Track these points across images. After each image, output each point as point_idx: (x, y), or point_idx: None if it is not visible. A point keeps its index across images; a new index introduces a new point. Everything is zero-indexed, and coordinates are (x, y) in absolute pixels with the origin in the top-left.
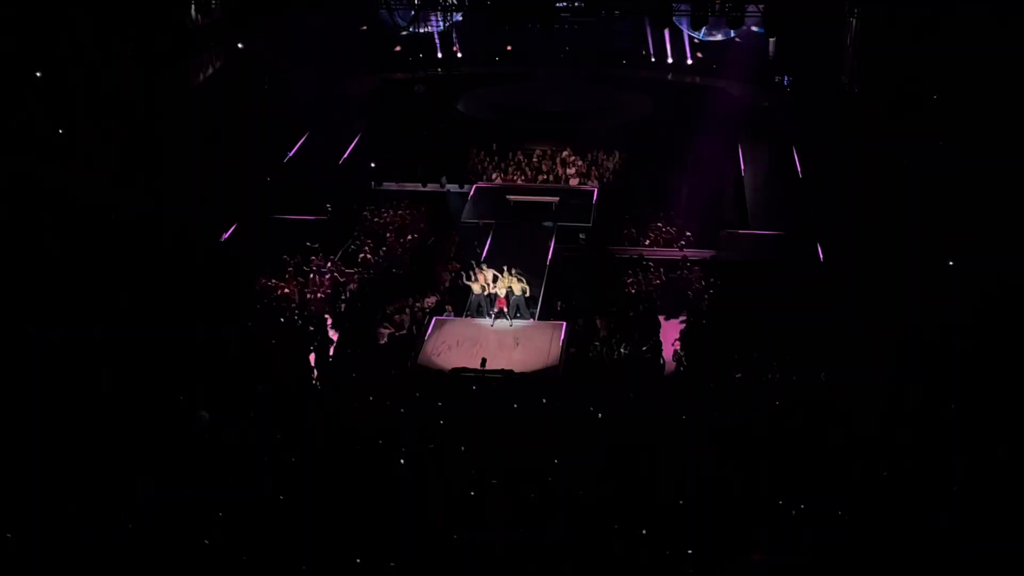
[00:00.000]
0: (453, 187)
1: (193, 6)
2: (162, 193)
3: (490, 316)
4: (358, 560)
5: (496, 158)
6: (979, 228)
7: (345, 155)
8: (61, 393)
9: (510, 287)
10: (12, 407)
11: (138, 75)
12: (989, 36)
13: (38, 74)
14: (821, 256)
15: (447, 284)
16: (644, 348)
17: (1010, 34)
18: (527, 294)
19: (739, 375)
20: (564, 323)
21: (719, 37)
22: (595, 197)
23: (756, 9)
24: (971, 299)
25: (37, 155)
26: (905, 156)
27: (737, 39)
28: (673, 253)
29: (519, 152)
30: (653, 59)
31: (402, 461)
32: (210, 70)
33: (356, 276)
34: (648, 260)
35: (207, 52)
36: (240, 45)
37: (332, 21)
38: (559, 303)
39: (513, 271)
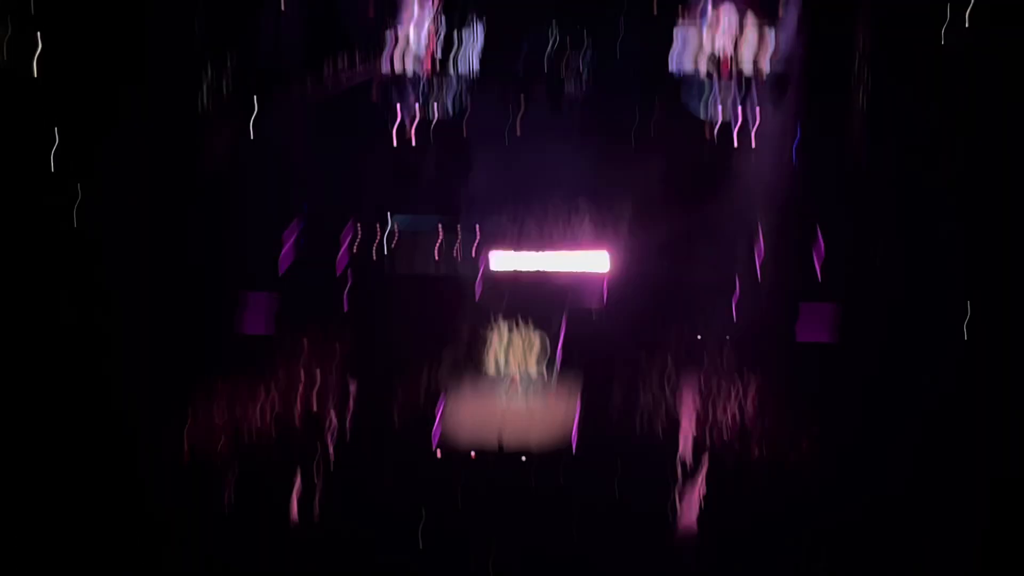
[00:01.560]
0: (466, 269)
1: (203, 89)
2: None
3: (505, 393)
4: None
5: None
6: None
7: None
8: None
9: (526, 363)
10: None
11: (150, 160)
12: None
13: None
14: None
15: (461, 360)
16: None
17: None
18: (542, 370)
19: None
20: (579, 393)
21: (727, 115)
22: (607, 269)
23: (763, 84)
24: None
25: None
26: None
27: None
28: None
29: (530, 226)
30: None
31: (420, 546)
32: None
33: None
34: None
35: (219, 135)
36: (251, 121)
37: (342, 103)
38: (574, 377)
39: (528, 347)
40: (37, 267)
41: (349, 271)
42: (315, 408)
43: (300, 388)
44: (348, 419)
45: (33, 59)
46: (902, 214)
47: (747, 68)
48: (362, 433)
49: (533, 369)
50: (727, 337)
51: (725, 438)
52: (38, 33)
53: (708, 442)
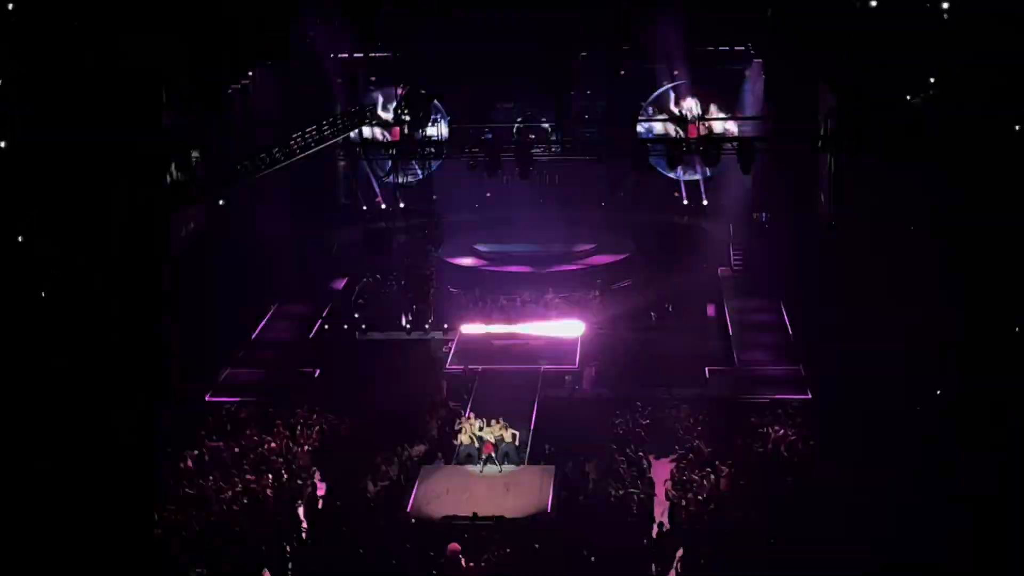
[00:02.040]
0: (437, 334)
1: (173, 164)
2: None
3: (479, 463)
4: None
5: (479, 304)
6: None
7: (328, 307)
8: None
9: (500, 435)
10: None
11: (118, 234)
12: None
13: (19, 238)
14: (808, 393)
15: (435, 431)
16: (635, 490)
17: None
18: (517, 440)
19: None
20: (554, 466)
21: (696, 176)
22: (579, 339)
23: (731, 147)
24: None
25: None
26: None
27: (713, 178)
28: (659, 393)
29: (502, 297)
30: (632, 200)
31: None
32: (191, 226)
33: (344, 426)
34: (635, 400)
35: (187, 209)
36: (221, 202)
37: (311, 173)
38: (548, 446)
39: (501, 420)
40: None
41: (322, 338)
42: (289, 477)
43: (275, 456)
44: (323, 488)
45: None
46: (872, 270)
47: (715, 130)
48: (337, 502)
49: (508, 436)
50: (699, 398)
51: (699, 500)
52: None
53: (683, 504)
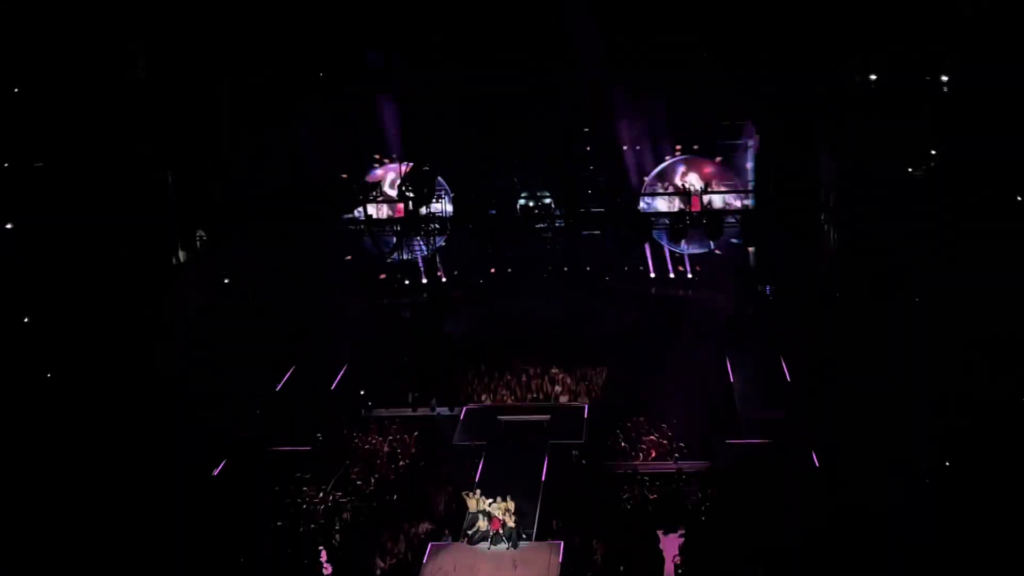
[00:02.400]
0: (443, 410)
1: (179, 243)
2: (150, 427)
3: (487, 539)
4: None
5: (485, 379)
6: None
7: (335, 382)
8: None
9: (507, 511)
10: None
11: (125, 310)
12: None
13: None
14: (816, 462)
15: (442, 509)
16: (643, 566)
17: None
18: (514, 522)
19: None
20: (561, 543)
21: (699, 249)
22: (586, 413)
23: (734, 221)
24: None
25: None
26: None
27: (717, 251)
28: (668, 466)
29: (507, 372)
30: (635, 273)
31: None
32: (198, 303)
33: (350, 504)
34: (643, 474)
35: (194, 286)
36: (227, 280)
37: (317, 249)
38: (555, 522)
39: (507, 498)
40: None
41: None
42: (299, 554)
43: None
44: (333, 565)
45: None
46: (875, 338)
47: (716, 202)
48: None
49: (514, 511)
50: (706, 473)
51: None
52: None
53: None
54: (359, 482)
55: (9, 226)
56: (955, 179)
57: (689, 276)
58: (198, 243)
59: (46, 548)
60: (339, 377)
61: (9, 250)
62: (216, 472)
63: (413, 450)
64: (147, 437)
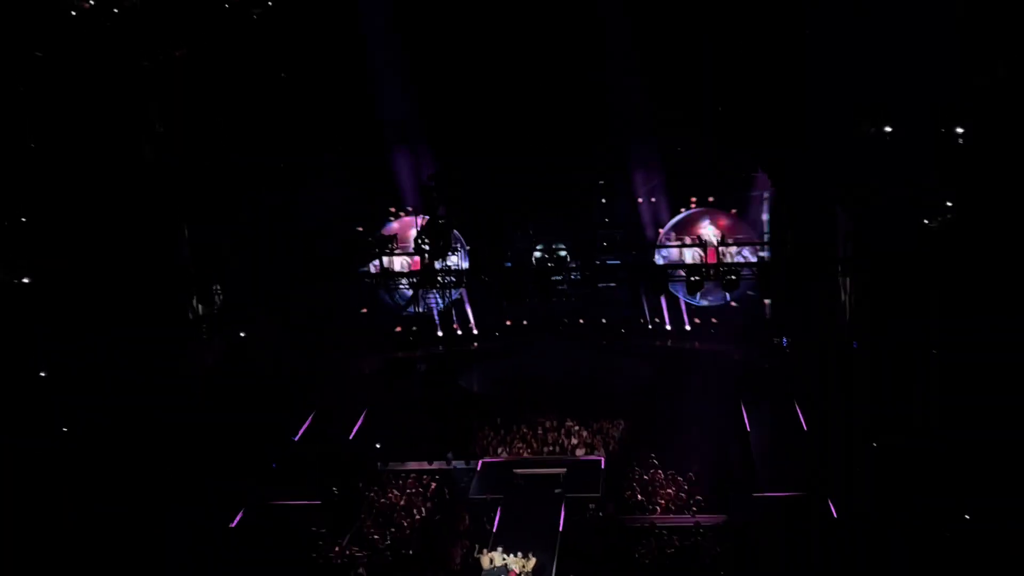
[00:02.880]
0: (459, 464)
1: (195, 297)
2: (168, 480)
3: None
4: None
5: (501, 432)
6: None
7: (350, 436)
8: None
9: (523, 565)
10: None
11: (141, 364)
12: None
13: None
14: (834, 512)
15: (458, 562)
16: None
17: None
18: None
19: None
20: None
21: (716, 302)
22: (602, 466)
23: (750, 273)
24: None
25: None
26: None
27: (733, 303)
28: (685, 519)
29: (523, 425)
30: (651, 326)
31: None
32: (213, 356)
33: (366, 559)
34: (660, 528)
35: (210, 340)
36: (243, 334)
37: (333, 304)
38: None
39: (528, 555)
40: None
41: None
42: None
43: None
44: None
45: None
46: (894, 389)
47: (733, 255)
48: None
49: (532, 564)
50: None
51: None
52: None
53: None
54: (375, 536)
55: (26, 280)
56: (971, 230)
57: (705, 326)
58: (215, 297)
59: None
60: (355, 430)
61: (27, 303)
62: (233, 524)
63: (429, 504)
64: (164, 490)
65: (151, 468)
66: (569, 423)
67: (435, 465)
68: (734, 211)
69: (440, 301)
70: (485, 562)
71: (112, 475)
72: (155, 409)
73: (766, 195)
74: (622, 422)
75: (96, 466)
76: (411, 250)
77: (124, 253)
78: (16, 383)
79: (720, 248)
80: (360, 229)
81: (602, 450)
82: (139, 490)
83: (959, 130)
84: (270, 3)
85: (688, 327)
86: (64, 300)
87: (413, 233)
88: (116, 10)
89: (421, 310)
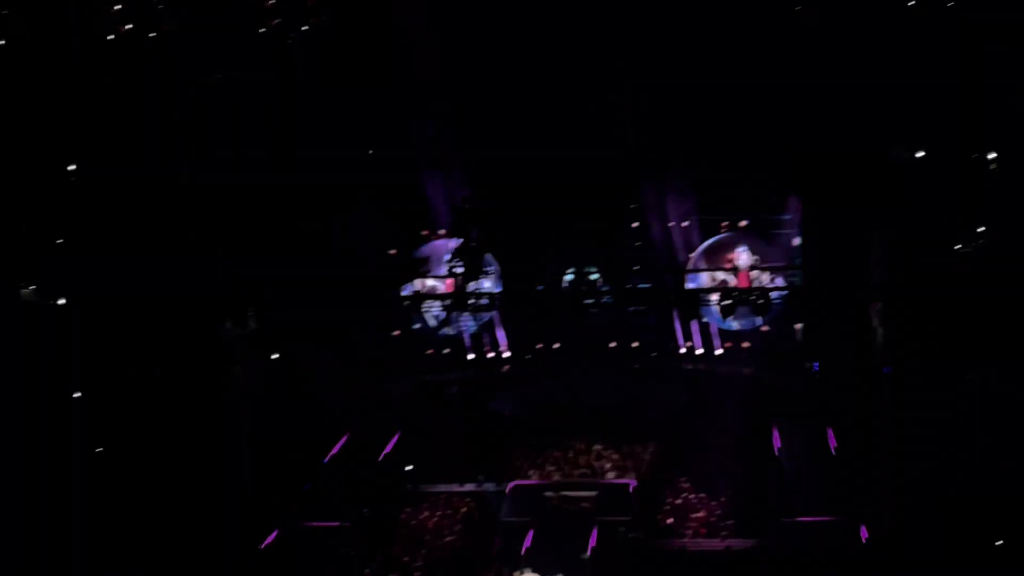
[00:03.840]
0: (490, 486)
1: (228, 319)
2: (201, 503)
3: None
4: None
5: (532, 455)
6: None
7: (381, 457)
8: None
9: None
10: None
11: (174, 388)
12: None
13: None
14: (864, 538)
15: None
16: None
17: None
18: None
19: None
20: None
21: (747, 326)
22: (632, 490)
23: (781, 297)
24: None
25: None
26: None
27: (764, 327)
28: (715, 544)
29: (554, 448)
30: (682, 350)
31: None
32: (248, 379)
33: None
34: (691, 552)
35: (243, 362)
36: (275, 356)
37: (365, 326)
38: None
39: None
40: None
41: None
42: None
43: None
44: None
45: None
46: (918, 417)
47: (765, 280)
48: None
49: None
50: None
51: None
52: None
53: None
54: (405, 558)
55: (62, 301)
56: (1003, 255)
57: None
58: (249, 320)
59: None
60: (386, 451)
61: (63, 323)
62: (263, 546)
63: (459, 526)
64: (196, 511)
65: (183, 489)
66: (599, 446)
67: (466, 487)
68: (766, 235)
69: (472, 324)
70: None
71: (143, 494)
72: (190, 428)
73: (798, 219)
74: (653, 445)
75: (126, 486)
76: (443, 273)
77: (160, 276)
78: (51, 406)
79: (751, 272)
80: (393, 252)
81: (633, 473)
82: (170, 508)
83: (991, 156)
84: (304, 28)
85: (719, 351)
86: (100, 322)
87: (446, 256)
88: (153, 34)
89: (453, 333)
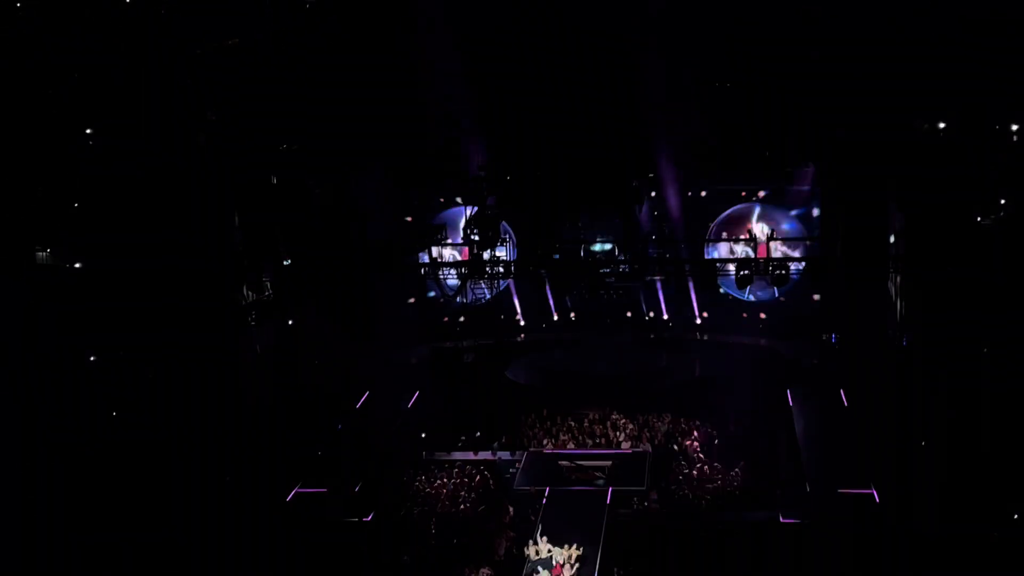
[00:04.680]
0: (504, 455)
1: (245, 284)
2: (218, 464)
3: None
4: None
5: (547, 424)
6: None
7: (396, 425)
8: None
9: (570, 556)
10: None
11: (194, 348)
12: None
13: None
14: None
15: (502, 553)
16: None
17: None
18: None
19: None
20: None
21: (764, 297)
22: (648, 459)
23: (799, 268)
24: None
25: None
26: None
27: (782, 298)
28: (730, 514)
29: (569, 418)
30: (699, 320)
31: None
32: (264, 343)
33: (410, 548)
34: (706, 523)
35: (260, 327)
36: (291, 321)
37: (381, 293)
38: (617, 569)
39: (573, 546)
40: None
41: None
42: None
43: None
44: None
45: None
46: (943, 386)
47: (783, 251)
48: None
49: (577, 555)
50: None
51: None
52: None
53: None
54: (420, 526)
55: (78, 265)
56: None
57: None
58: (266, 288)
59: None
60: (401, 419)
61: (78, 287)
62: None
63: (474, 495)
64: (210, 476)
65: (202, 448)
66: (615, 416)
67: (480, 456)
68: (786, 206)
69: (488, 292)
70: (532, 553)
71: (158, 458)
72: (205, 393)
73: (817, 189)
74: (668, 415)
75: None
76: (460, 240)
77: (175, 238)
78: (65, 367)
79: (769, 243)
80: (409, 219)
81: (648, 443)
82: (189, 468)
83: (1015, 127)
84: None
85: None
86: (114, 286)
87: (462, 224)
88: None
89: (469, 301)
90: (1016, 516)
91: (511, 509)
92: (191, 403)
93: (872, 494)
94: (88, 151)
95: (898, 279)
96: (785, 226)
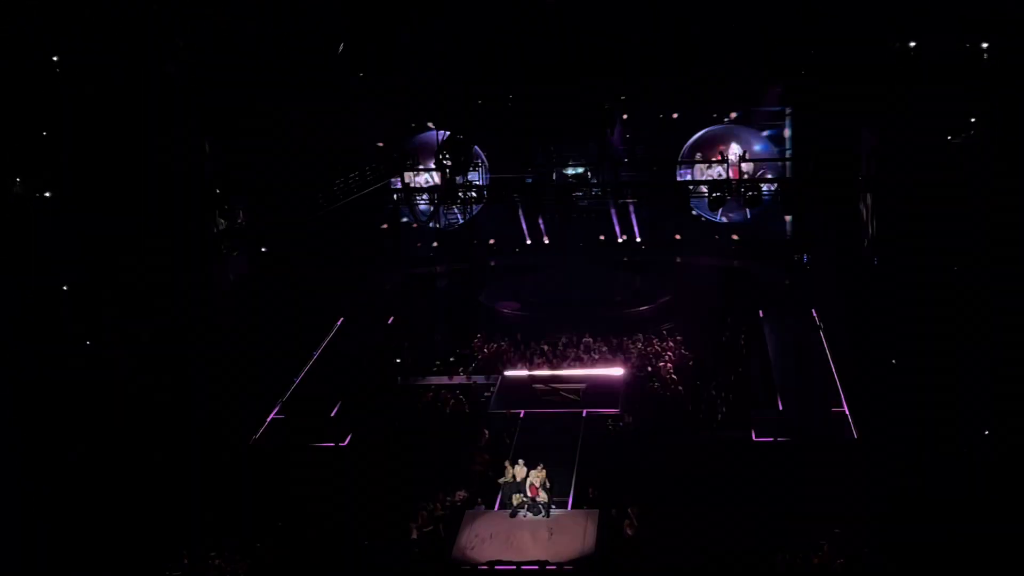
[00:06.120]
0: (479, 378)
1: (217, 212)
2: (192, 395)
3: (524, 506)
4: None
5: (521, 348)
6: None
7: (371, 350)
8: None
9: (543, 479)
10: None
11: (166, 278)
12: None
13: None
14: (855, 432)
15: (477, 476)
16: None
17: None
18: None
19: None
20: (598, 511)
21: (737, 219)
22: (622, 383)
23: (772, 189)
24: None
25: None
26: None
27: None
28: (705, 437)
29: (543, 341)
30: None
31: None
32: (237, 272)
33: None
34: (680, 444)
35: (233, 255)
36: (264, 248)
37: (353, 218)
38: (591, 489)
39: (539, 467)
40: None
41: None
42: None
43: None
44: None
45: None
46: (905, 308)
47: (756, 171)
48: (382, 548)
49: (544, 480)
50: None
51: None
52: None
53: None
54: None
55: (48, 194)
56: (994, 147)
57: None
58: (238, 215)
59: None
60: (375, 344)
61: (48, 217)
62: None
63: (449, 419)
64: (184, 407)
65: (182, 381)
66: (588, 338)
67: (455, 380)
68: (756, 127)
69: (461, 217)
70: (508, 476)
71: (131, 389)
72: (180, 323)
73: (788, 111)
74: (641, 337)
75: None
76: (432, 166)
77: (144, 167)
78: (38, 297)
79: (741, 164)
80: (381, 145)
81: (622, 367)
82: (159, 400)
83: (984, 45)
84: None
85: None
86: (84, 215)
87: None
88: None
89: (441, 226)
90: (986, 432)
91: (486, 432)
92: (160, 333)
93: (845, 412)
94: (58, 75)
95: (869, 199)
96: (757, 147)
